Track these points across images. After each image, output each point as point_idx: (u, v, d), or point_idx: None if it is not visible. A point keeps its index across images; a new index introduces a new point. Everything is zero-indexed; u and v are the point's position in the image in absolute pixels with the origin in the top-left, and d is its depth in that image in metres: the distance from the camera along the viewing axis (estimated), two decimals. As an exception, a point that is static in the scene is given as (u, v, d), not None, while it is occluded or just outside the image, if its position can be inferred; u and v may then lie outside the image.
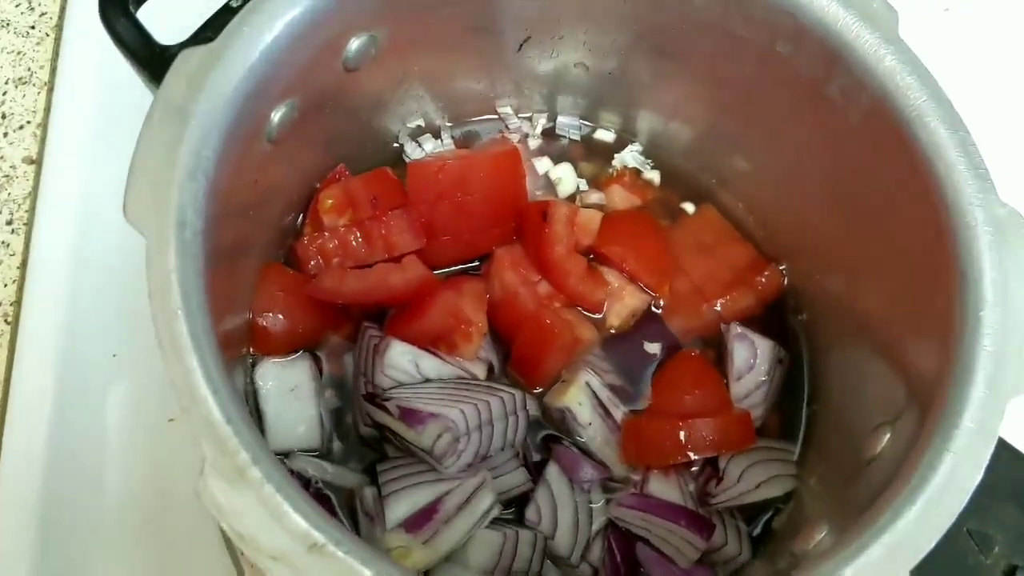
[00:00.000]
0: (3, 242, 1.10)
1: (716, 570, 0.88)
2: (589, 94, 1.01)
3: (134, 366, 1.02)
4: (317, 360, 0.90)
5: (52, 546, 0.95)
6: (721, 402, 0.91)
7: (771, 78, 0.84)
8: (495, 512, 0.84)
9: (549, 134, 1.05)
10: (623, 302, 0.95)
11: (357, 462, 0.89)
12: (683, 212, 1.03)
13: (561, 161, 1.04)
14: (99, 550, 0.96)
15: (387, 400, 0.83)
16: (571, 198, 1.02)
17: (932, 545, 0.61)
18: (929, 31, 0.93)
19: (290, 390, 0.88)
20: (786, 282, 0.98)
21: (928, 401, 0.68)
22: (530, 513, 0.86)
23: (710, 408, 0.90)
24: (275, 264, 0.91)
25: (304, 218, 0.94)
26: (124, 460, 0.99)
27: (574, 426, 0.89)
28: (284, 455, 0.87)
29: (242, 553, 0.77)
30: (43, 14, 1.24)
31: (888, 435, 0.74)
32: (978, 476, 0.62)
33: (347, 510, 0.86)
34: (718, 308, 0.96)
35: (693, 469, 0.91)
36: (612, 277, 0.96)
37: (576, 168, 1.04)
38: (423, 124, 1.01)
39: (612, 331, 0.96)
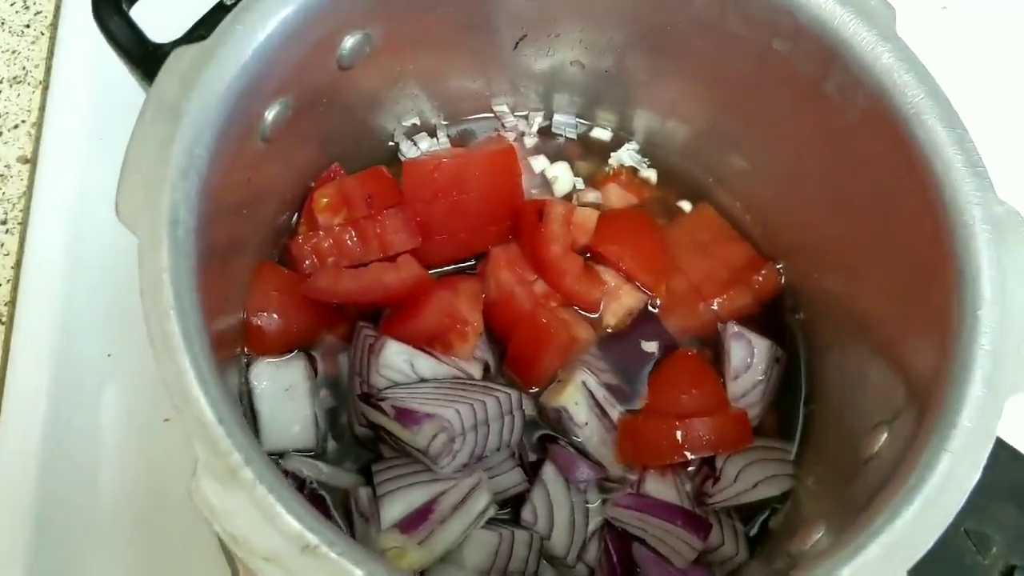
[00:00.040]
0: (-3, 242, 1.10)
1: (713, 570, 0.88)
2: (585, 92, 1.01)
3: (129, 366, 1.02)
4: (312, 360, 0.90)
5: (47, 546, 0.94)
6: (718, 401, 0.91)
7: (769, 76, 0.84)
8: (491, 512, 0.83)
9: (545, 132, 1.05)
10: (619, 301, 0.95)
11: (352, 462, 0.89)
12: (680, 211, 1.03)
13: (557, 160, 1.03)
14: (94, 550, 0.96)
15: (382, 400, 0.82)
16: (567, 197, 1.02)
17: (930, 545, 0.61)
18: (927, 29, 0.92)
19: (285, 390, 0.88)
20: (783, 281, 0.98)
21: (926, 400, 0.67)
22: (526, 513, 0.86)
23: (707, 407, 0.90)
24: (269, 263, 0.90)
25: (299, 217, 0.94)
26: (119, 460, 0.99)
27: (570, 426, 0.89)
28: (279, 455, 0.87)
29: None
30: (38, 13, 1.23)
31: (886, 434, 0.73)
32: (976, 476, 0.62)
33: (342, 510, 0.86)
34: (715, 307, 0.96)
35: (690, 469, 0.91)
36: (608, 276, 0.95)
37: (572, 167, 1.03)
38: (419, 122, 1.01)
39: (608, 330, 0.96)
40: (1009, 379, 0.64)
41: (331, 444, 0.89)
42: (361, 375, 0.88)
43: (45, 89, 1.18)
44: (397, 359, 0.86)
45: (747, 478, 0.88)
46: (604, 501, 0.89)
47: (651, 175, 1.04)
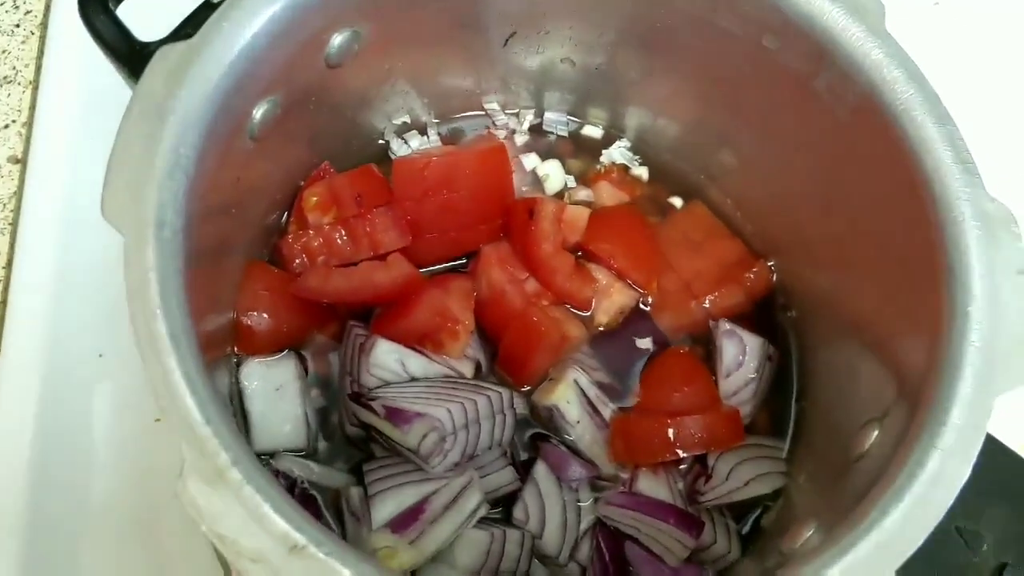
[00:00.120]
0: (-12, 242, 1.10)
1: (705, 568, 0.88)
2: (576, 90, 1.00)
3: (120, 366, 1.02)
4: (302, 359, 0.90)
5: (38, 546, 0.94)
6: (710, 399, 0.91)
7: (759, 73, 0.83)
8: (482, 512, 0.83)
9: (536, 130, 1.05)
10: (611, 299, 0.95)
11: (343, 462, 0.89)
12: (672, 207, 1.02)
13: (548, 157, 1.03)
14: (85, 550, 0.96)
15: (373, 399, 0.82)
16: (559, 195, 1.02)
17: (920, 543, 0.60)
18: (917, 25, 0.92)
19: (275, 390, 0.88)
20: (775, 278, 0.98)
21: (916, 398, 0.67)
22: (518, 512, 0.86)
23: (699, 405, 0.90)
24: (259, 263, 0.90)
25: (289, 216, 0.93)
26: (110, 460, 0.99)
27: (562, 424, 0.88)
28: (270, 455, 0.86)
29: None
30: (28, 12, 1.23)
31: (876, 432, 0.73)
32: (966, 473, 0.62)
33: (333, 510, 0.86)
34: (707, 305, 0.96)
35: (682, 467, 0.91)
36: (600, 274, 0.95)
37: (564, 164, 1.03)
38: (409, 121, 1.00)
39: (600, 329, 0.95)
40: (999, 376, 0.64)
41: (322, 444, 0.89)
42: (352, 374, 0.87)
43: (35, 89, 1.17)
44: (388, 358, 0.86)
45: (739, 476, 0.88)
46: (596, 500, 0.89)
47: (642, 173, 1.03)
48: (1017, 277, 0.67)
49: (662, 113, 0.99)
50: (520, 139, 1.04)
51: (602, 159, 1.04)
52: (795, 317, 0.97)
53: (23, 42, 1.21)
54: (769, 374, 0.94)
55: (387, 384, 0.86)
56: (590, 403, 0.89)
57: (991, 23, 1.27)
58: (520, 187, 1.00)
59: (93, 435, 1.00)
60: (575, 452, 0.89)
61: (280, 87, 0.77)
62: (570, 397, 0.89)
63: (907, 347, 0.73)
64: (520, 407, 0.90)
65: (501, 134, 1.03)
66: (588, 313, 0.95)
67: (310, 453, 0.88)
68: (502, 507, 0.88)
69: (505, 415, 0.87)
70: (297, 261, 0.89)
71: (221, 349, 0.85)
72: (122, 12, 0.79)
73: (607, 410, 0.90)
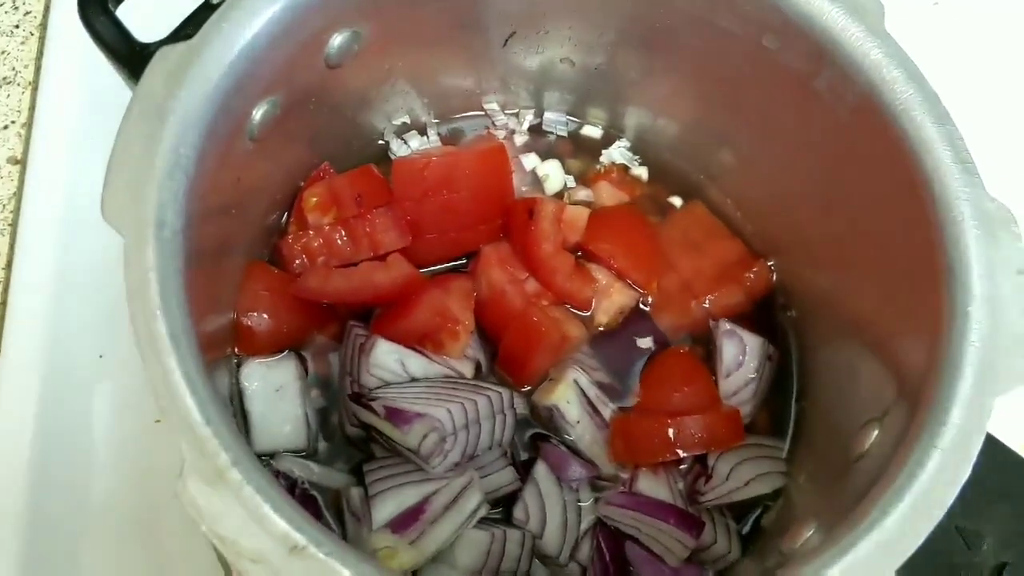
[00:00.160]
0: (-13, 242, 1.10)
1: (705, 568, 0.88)
2: (576, 90, 1.00)
3: (120, 366, 1.02)
4: (303, 360, 0.90)
5: (38, 547, 0.94)
6: (710, 399, 0.91)
7: (759, 73, 0.83)
8: (483, 512, 0.83)
9: (536, 130, 1.04)
10: (611, 299, 0.95)
11: (344, 462, 0.89)
12: (671, 207, 1.02)
13: (548, 157, 1.03)
14: (86, 551, 0.95)
15: (373, 400, 0.82)
16: (559, 195, 1.02)
17: (920, 542, 0.60)
18: (917, 25, 0.92)
19: (276, 390, 0.88)
20: (775, 278, 0.98)
21: (916, 397, 0.67)
22: (518, 512, 0.86)
23: (699, 405, 0.90)
24: (259, 263, 0.90)
25: (289, 216, 0.93)
26: (110, 460, 0.98)
27: (562, 424, 0.88)
28: (270, 456, 0.86)
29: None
30: (27, 13, 1.23)
31: (876, 432, 0.73)
32: (966, 473, 0.62)
33: (334, 511, 0.86)
34: (707, 305, 0.96)
35: (682, 467, 0.91)
36: (600, 274, 0.95)
37: (563, 164, 1.03)
38: (409, 121, 1.00)
39: (600, 328, 0.95)
40: (999, 376, 0.64)
41: (322, 444, 0.89)
42: (352, 375, 0.87)
43: (35, 90, 1.17)
44: (388, 358, 0.86)
45: (739, 476, 0.88)
46: (596, 500, 0.89)
47: (642, 172, 1.03)
48: (1017, 277, 0.67)
49: (662, 113, 0.99)
50: (520, 139, 1.04)
51: (602, 159, 1.04)
52: (795, 317, 0.97)
53: (22, 43, 1.21)
54: (769, 374, 0.94)
55: (387, 384, 0.86)
56: (590, 403, 0.89)
57: (990, 23, 1.27)
58: (520, 187, 1.00)
59: (93, 435, 1.00)
60: (575, 452, 0.89)
61: (280, 87, 0.77)
62: (570, 397, 0.89)
63: (907, 347, 0.73)
64: (520, 407, 0.90)
65: (501, 134, 1.03)
66: (588, 313, 0.95)
67: (310, 453, 0.88)
68: (502, 507, 0.88)
69: (505, 415, 0.87)
70: (297, 261, 0.89)
71: (221, 350, 0.85)
72: (122, 13, 0.79)
73: (607, 410, 0.90)
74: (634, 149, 1.04)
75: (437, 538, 0.81)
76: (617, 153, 1.04)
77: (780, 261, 0.98)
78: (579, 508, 0.88)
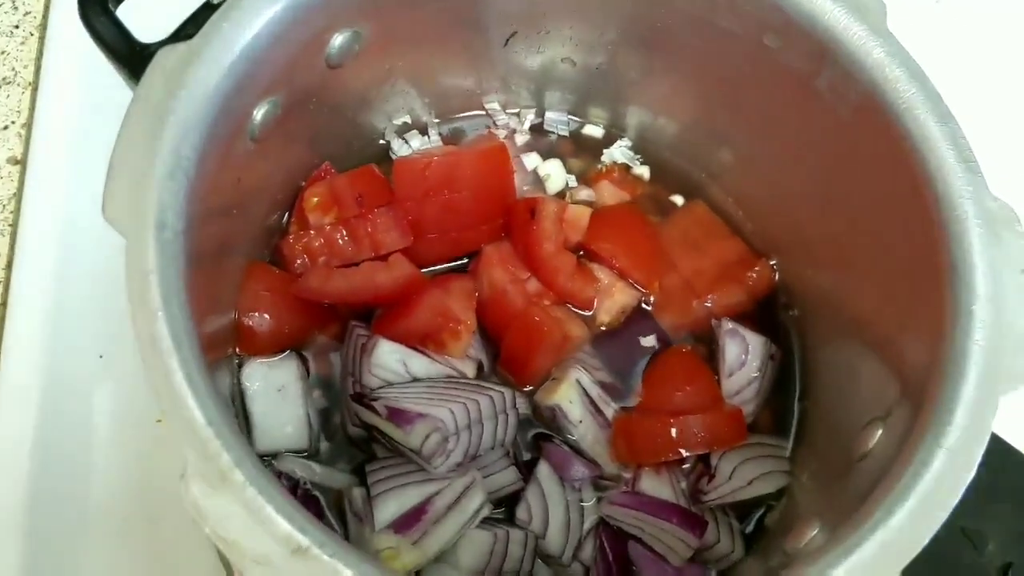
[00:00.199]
0: (-12, 243, 1.10)
1: (709, 568, 0.88)
2: (577, 89, 1.00)
3: (121, 367, 1.01)
4: (304, 360, 0.90)
5: (39, 547, 0.94)
6: (712, 398, 0.91)
7: (760, 72, 0.83)
8: (485, 512, 0.83)
9: (537, 130, 1.04)
10: (613, 299, 0.95)
11: (345, 463, 0.88)
12: (673, 206, 1.02)
13: (550, 157, 1.03)
14: (87, 551, 0.95)
15: (375, 400, 0.82)
16: (560, 194, 1.01)
17: (925, 543, 0.60)
18: (919, 24, 0.92)
19: (277, 390, 0.87)
20: (777, 277, 0.98)
21: (920, 397, 0.67)
22: (521, 512, 0.86)
23: (701, 405, 0.89)
24: (260, 263, 0.90)
25: (290, 217, 0.93)
26: (111, 461, 0.98)
27: (565, 424, 0.88)
28: (272, 456, 0.86)
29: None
30: (27, 13, 1.23)
31: (880, 431, 0.73)
32: (971, 473, 0.62)
33: (336, 511, 0.85)
34: (709, 304, 0.96)
35: (685, 466, 0.91)
36: (602, 274, 0.95)
37: (565, 164, 1.03)
38: (409, 121, 1.00)
39: (602, 328, 0.95)
40: (1004, 375, 0.64)
41: (324, 444, 0.89)
42: (354, 375, 0.87)
43: (34, 90, 1.17)
44: (390, 358, 0.86)
45: (742, 475, 0.88)
46: (599, 499, 0.88)
47: (644, 172, 1.03)
48: (1020, 276, 0.67)
49: (663, 112, 0.99)
50: (521, 139, 1.03)
51: (603, 158, 1.04)
52: (797, 316, 0.97)
53: (22, 43, 1.21)
54: (772, 373, 0.94)
55: (389, 384, 0.85)
56: (592, 403, 0.89)
57: (992, 22, 1.27)
58: (521, 187, 1.00)
59: (93, 436, 0.99)
60: (578, 452, 0.88)
61: (281, 88, 0.77)
62: (572, 397, 0.88)
63: (910, 346, 0.73)
64: (522, 407, 0.89)
65: (502, 134, 1.03)
66: (590, 313, 0.95)
67: (312, 454, 0.88)
68: (505, 507, 0.87)
69: (507, 415, 0.86)
70: (298, 262, 0.89)
71: (222, 350, 0.85)
72: (122, 13, 0.79)
73: (609, 410, 0.90)
74: (635, 148, 1.04)
75: (440, 538, 0.81)
76: (618, 152, 1.03)
77: (782, 260, 0.98)
78: (582, 508, 0.87)
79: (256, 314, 0.86)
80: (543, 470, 0.87)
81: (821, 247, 0.90)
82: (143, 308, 0.60)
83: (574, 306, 0.95)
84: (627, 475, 0.89)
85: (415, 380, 0.86)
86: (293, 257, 0.89)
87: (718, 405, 0.91)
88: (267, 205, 0.90)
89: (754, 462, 0.89)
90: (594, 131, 1.05)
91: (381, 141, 1.00)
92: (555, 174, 1.02)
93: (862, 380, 0.82)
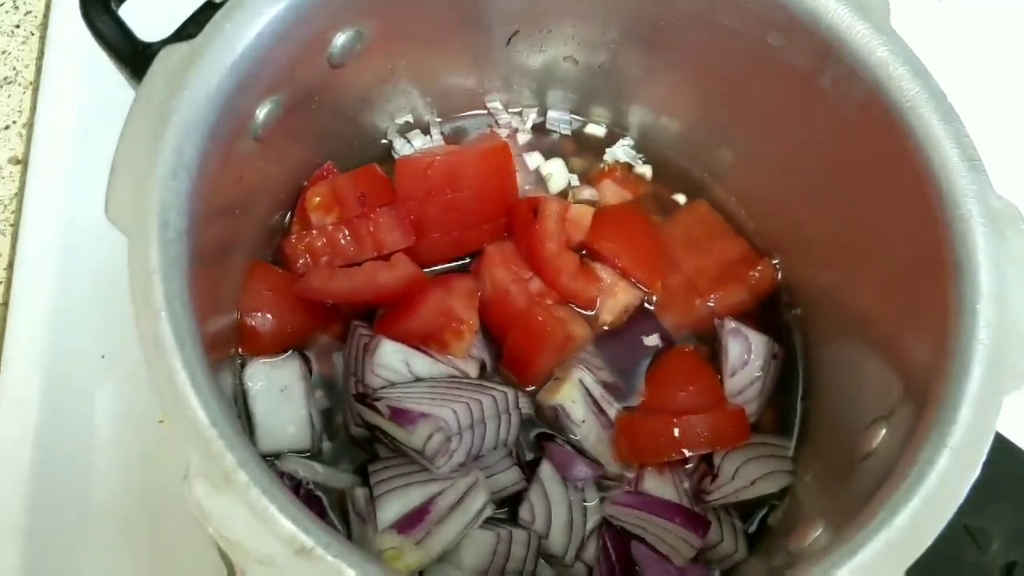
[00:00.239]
0: (-11, 243, 1.09)
1: (712, 568, 0.88)
2: (579, 88, 1.00)
3: (122, 367, 1.01)
4: (306, 360, 0.90)
5: (40, 548, 0.94)
6: (715, 398, 0.91)
7: (763, 71, 0.83)
8: (488, 512, 0.83)
9: (539, 129, 1.04)
10: (616, 298, 0.95)
11: (348, 463, 0.88)
12: (675, 204, 1.02)
13: (552, 156, 1.03)
14: (88, 551, 0.95)
15: (378, 400, 0.82)
16: (562, 194, 1.01)
17: (930, 542, 0.60)
18: (923, 22, 0.92)
19: (280, 390, 0.87)
20: (780, 276, 0.98)
21: (924, 396, 0.67)
22: (523, 512, 0.86)
23: (704, 404, 0.89)
24: (263, 263, 0.90)
25: (292, 216, 0.93)
26: (113, 461, 0.98)
27: (567, 424, 0.88)
28: (274, 456, 0.86)
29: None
30: (28, 13, 1.23)
31: (884, 430, 0.73)
32: (976, 472, 0.62)
33: (338, 511, 0.85)
34: (711, 303, 0.96)
35: (688, 466, 0.91)
36: (604, 273, 0.95)
37: (567, 163, 1.03)
38: (412, 120, 1.00)
39: (605, 328, 0.95)
40: (1008, 374, 0.64)
41: (327, 444, 0.89)
42: (356, 375, 0.87)
43: (35, 90, 1.17)
44: (392, 358, 0.86)
45: (745, 475, 0.88)
46: (602, 499, 0.88)
47: (646, 171, 1.03)
48: (1025, 274, 0.67)
49: (665, 111, 0.99)
50: (523, 138, 1.03)
51: (605, 157, 1.03)
52: (800, 315, 0.97)
53: (23, 43, 1.21)
54: (774, 372, 0.93)
55: (392, 384, 0.85)
56: (595, 402, 0.89)
57: (996, 20, 1.27)
58: (523, 186, 1.00)
59: (95, 436, 0.99)
60: (580, 452, 0.88)
61: (283, 87, 0.77)
62: (575, 396, 0.88)
63: (913, 344, 0.73)
64: (525, 407, 0.89)
65: (504, 133, 1.03)
66: (593, 312, 0.95)
67: (315, 454, 0.88)
68: (508, 507, 0.87)
69: (510, 415, 0.86)
70: (300, 261, 0.89)
71: (225, 350, 0.85)
72: (124, 12, 0.79)
73: (612, 409, 0.90)
74: (638, 147, 1.04)
75: (443, 538, 0.80)
76: (621, 151, 1.03)
77: (785, 259, 0.97)
78: (584, 508, 0.87)
79: (258, 314, 0.86)
80: (546, 470, 0.87)
81: (824, 246, 0.90)
82: (146, 308, 0.60)
83: (577, 306, 0.95)
84: (630, 475, 0.89)
85: (418, 380, 0.86)
86: (295, 257, 0.89)
87: (721, 405, 0.91)
88: (269, 205, 0.90)
89: (757, 462, 0.89)
90: (596, 130, 1.04)
91: (383, 140, 1.00)
92: (557, 173, 1.01)
93: (865, 379, 0.82)
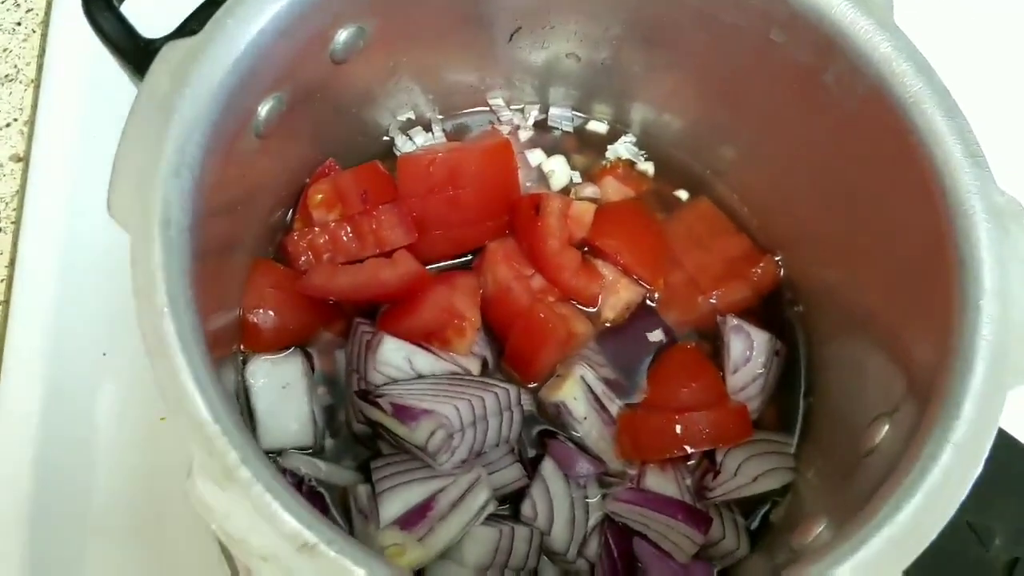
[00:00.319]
0: (-9, 241, 1.10)
1: (714, 564, 0.88)
2: (581, 85, 1.00)
3: (124, 365, 1.01)
4: (309, 357, 0.90)
5: (42, 546, 0.94)
6: (717, 395, 0.91)
7: (766, 67, 0.83)
8: (490, 508, 0.83)
9: (541, 126, 1.04)
10: (618, 295, 0.95)
11: (351, 459, 0.88)
12: (678, 201, 1.02)
13: (554, 153, 1.03)
14: (90, 550, 0.95)
15: (380, 397, 0.82)
16: (564, 191, 1.01)
17: (932, 538, 0.60)
18: (927, 18, 0.92)
19: (282, 387, 0.87)
20: (782, 273, 0.98)
21: (927, 392, 0.67)
22: (526, 509, 0.86)
23: (706, 401, 0.89)
24: (265, 260, 0.90)
25: (294, 213, 0.93)
26: (114, 459, 0.98)
27: (569, 421, 0.88)
28: (277, 453, 0.86)
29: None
30: (29, 10, 1.23)
31: (887, 427, 0.73)
32: (979, 468, 0.62)
33: (341, 508, 0.85)
34: (713, 300, 0.95)
35: (690, 463, 0.91)
36: (606, 270, 0.95)
37: (569, 160, 1.03)
38: (413, 117, 1.00)
39: (607, 325, 0.95)
40: (1011, 370, 0.64)
41: (329, 441, 0.89)
42: (358, 372, 0.87)
43: (37, 87, 1.17)
44: (394, 355, 0.86)
45: (747, 472, 0.88)
46: (604, 496, 0.88)
47: (648, 168, 1.03)
48: (1028, 271, 0.67)
49: (667, 108, 0.99)
50: (525, 135, 1.03)
51: (607, 154, 1.03)
52: (802, 312, 0.97)
53: (24, 40, 1.21)
54: (777, 369, 0.93)
55: (394, 381, 0.85)
56: (597, 399, 0.89)
57: (999, 15, 1.27)
58: (525, 183, 1.00)
59: (97, 434, 0.99)
60: (582, 448, 0.88)
61: (285, 83, 0.77)
62: (577, 393, 0.88)
63: (916, 341, 0.73)
64: (527, 404, 0.89)
65: (506, 130, 1.02)
66: (594, 309, 0.95)
67: (317, 451, 0.88)
68: (510, 504, 0.88)
69: (512, 412, 0.86)
70: (303, 258, 0.89)
71: (227, 347, 0.85)
72: (126, 9, 0.78)
73: (614, 406, 0.90)
74: (640, 144, 1.04)
75: (445, 535, 0.80)
76: (623, 148, 1.03)
77: (787, 256, 0.97)
78: (587, 504, 0.87)
79: (261, 311, 0.86)
80: (548, 467, 0.87)
81: (826, 243, 0.90)
82: (148, 305, 0.60)
83: (579, 303, 0.94)
84: (632, 472, 0.89)
85: (420, 377, 0.86)
86: (298, 254, 0.89)
87: (723, 402, 0.91)
88: (271, 202, 0.90)
89: (759, 458, 0.89)
90: (598, 127, 1.04)
91: (385, 138, 1.00)
92: (559, 170, 1.01)
93: (868, 376, 0.82)
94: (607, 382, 0.91)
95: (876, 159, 0.77)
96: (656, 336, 0.95)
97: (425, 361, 0.87)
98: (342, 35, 0.80)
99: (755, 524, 0.90)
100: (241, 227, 0.84)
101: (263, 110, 0.76)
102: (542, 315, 0.89)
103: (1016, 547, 0.72)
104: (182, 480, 0.57)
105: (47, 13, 1.22)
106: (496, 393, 0.85)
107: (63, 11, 1.20)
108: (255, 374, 0.87)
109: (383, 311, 0.91)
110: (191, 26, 0.74)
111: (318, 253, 0.89)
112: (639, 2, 0.86)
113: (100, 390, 1.01)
